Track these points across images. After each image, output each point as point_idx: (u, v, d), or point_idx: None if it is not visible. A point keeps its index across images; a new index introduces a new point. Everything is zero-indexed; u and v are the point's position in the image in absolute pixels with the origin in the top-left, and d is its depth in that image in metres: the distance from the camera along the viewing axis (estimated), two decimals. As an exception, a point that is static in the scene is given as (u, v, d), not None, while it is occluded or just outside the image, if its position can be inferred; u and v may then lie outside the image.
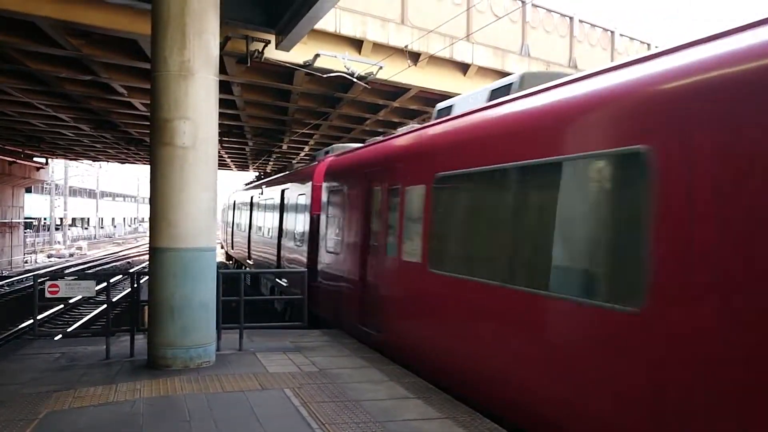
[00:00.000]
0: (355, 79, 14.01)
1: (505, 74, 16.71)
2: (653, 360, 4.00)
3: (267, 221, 18.60)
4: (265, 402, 6.22)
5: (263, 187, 20.48)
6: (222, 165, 38.69)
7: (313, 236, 12.87)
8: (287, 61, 13.29)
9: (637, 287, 4.16)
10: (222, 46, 11.36)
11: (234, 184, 38.61)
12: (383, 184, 8.90)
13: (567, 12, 18.47)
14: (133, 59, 13.77)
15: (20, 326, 17.00)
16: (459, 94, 16.29)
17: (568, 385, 4.78)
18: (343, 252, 10.62)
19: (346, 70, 13.68)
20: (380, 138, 10.55)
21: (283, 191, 16.48)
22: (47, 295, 8.15)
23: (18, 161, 33.65)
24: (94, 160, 42.74)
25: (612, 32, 19.52)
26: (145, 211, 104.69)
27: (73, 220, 76.16)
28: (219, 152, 24.51)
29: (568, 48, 18.26)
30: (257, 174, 33.55)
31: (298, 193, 14.67)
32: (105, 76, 15.34)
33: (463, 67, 15.96)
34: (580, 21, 18.66)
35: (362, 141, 13.55)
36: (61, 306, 19.54)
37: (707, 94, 3.87)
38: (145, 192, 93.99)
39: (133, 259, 43.36)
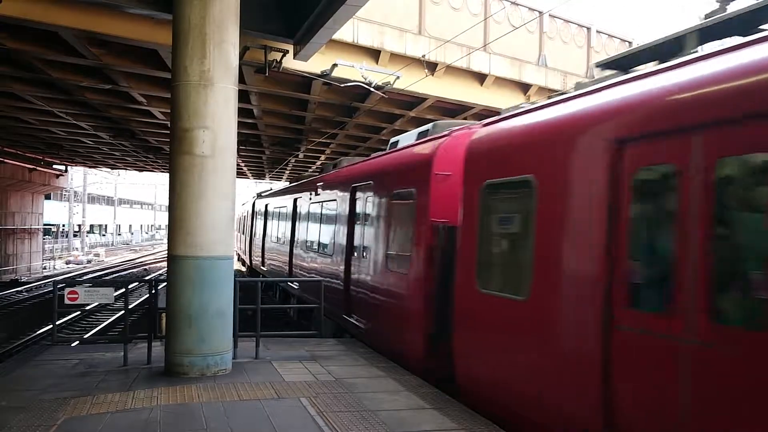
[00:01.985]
0: (372, 89, 14.05)
1: (522, 84, 16.72)
2: None
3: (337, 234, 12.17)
4: (281, 411, 6.22)
5: (315, 187, 14.79)
6: (239, 173, 38.88)
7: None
8: (305, 71, 13.37)
9: None
10: (241, 55, 11.45)
11: (251, 192, 38.61)
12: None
13: (584, 22, 18.45)
14: (153, 68, 13.92)
15: (38, 332, 17.16)
16: (476, 104, 16.36)
17: None
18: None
19: (363, 80, 13.73)
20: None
21: (354, 190, 11.30)
22: (66, 301, 8.23)
23: (38, 168, 34.07)
24: (112, 168, 43.15)
25: (630, 42, 19.46)
26: (161, 219, 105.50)
27: (91, 226, 76.83)
28: (236, 161, 24.65)
29: (586, 58, 18.22)
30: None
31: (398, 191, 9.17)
32: (125, 85, 15.51)
33: (480, 77, 15.96)
34: (598, 31, 18.63)
35: (380, 150, 13.49)
36: (78, 312, 19.69)
37: None
38: (162, 200, 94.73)
39: (150, 266, 43.64)
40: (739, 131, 3.80)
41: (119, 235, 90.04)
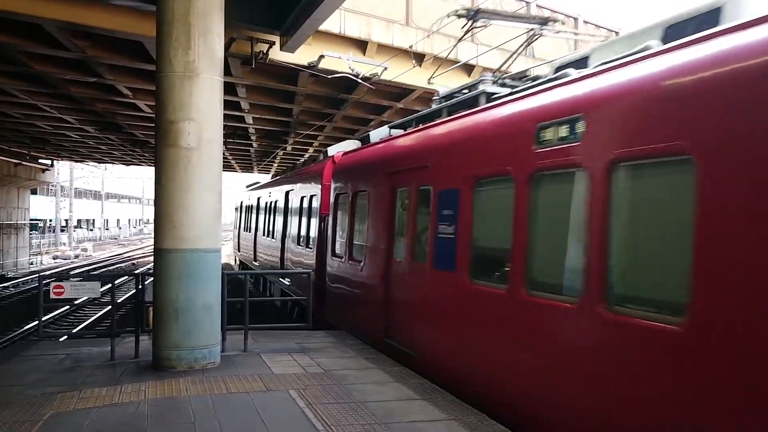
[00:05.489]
0: (359, 80, 14.00)
1: (510, 75, 16.70)
2: None
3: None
4: (270, 403, 6.20)
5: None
6: (226, 167, 38.70)
7: None
8: (292, 63, 13.29)
9: None
10: (227, 47, 11.36)
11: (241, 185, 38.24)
12: None
13: (572, 12, 18.45)
14: (138, 61, 13.79)
15: (25, 327, 17.05)
16: (464, 95, 16.33)
17: None
18: None
19: (350, 71, 13.67)
20: None
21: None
22: (52, 296, 8.14)
23: (23, 163, 33.78)
24: (99, 162, 42.85)
25: (617, 33, 19.48)
26: (149, 213, 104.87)
27: (79, 221, 76.28)
28: (223, 154, 24.46)
29: (573, 48, 18.21)
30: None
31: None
32: (110, 77, 15.37)
33: (468, 68, 15.93)
34: (585, 21, 18.63)
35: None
36: (67, 307, 19.57)
37: None
38: (150, 193, 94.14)
39: (138, 260, 43.44)
40: None
41: (107, 229, 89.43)
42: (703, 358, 3.70)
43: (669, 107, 4.14)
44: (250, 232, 24.92)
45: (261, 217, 22.20)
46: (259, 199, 22.63)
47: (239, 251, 29.92)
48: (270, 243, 18.57)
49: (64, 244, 58.99)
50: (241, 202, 29.94)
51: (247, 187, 29.16)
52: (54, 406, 6.07)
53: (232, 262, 36.52)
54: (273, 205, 19.23)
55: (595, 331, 4.59)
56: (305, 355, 8.47)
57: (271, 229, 18.95)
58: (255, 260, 21.65)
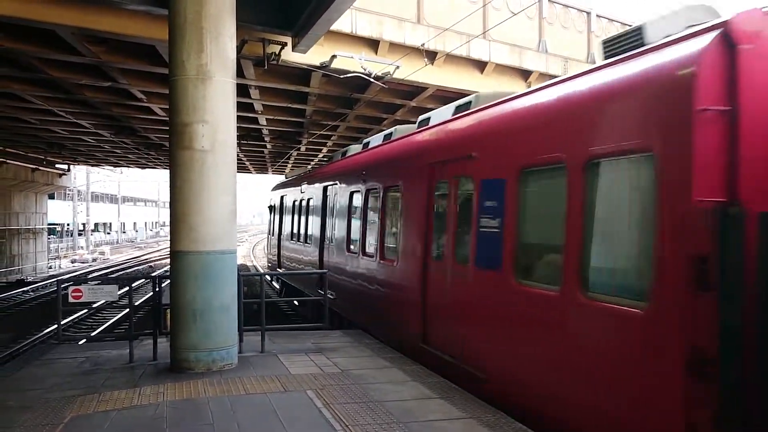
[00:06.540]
0: (372, 80, 13.98)
1: (523, 71, 16.63)
2: None
3: None
4: (288, 404, 6.22)
5: None
6: (241, 168, 38.86)
7: None
8: (304, 63, 13.29)
9: None
10: (239, 49, 11.38)
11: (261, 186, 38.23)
12: None
13: (584, 7, 18.32)
14: (151, 64, 13.85)
15: (45, 331, 17.21)
16: (476, 92, 16.25)
17: None
18: None
19: (362, 71, 13.66)
20: None
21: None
22: (70, 299, 8.22)
23: (40, 168, 34.06)
24: (115, 166, 43.17)
25: (630, 26, 19.31)
26: (165, 216, 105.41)
27: (96, 225, 76.90)
28: (238, 155, 24.50)
29: (586, 43, 18.09)
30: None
31: None
32: (124, 82, 15.45)
33: (480, 65, 15.87)
34: (598, 16, 18.49)
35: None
36: (85, 310, 19.72)
37: None
38: (166, 196, 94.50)
39: (155, 262, 43.71)
40: None
41: (124, 232, 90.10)
42: None
43: None
44: (309, 243, 16.42)
45: (336, 222, 13.40)
46: (326, 189, 14.76)
47: (280, 268, 21.23)
48: (380, 269, 10.30)
49: (82, 247, 59.46)
50: (282, 198, 21.82)
51: (287, 177, 23.43)
52: (74, 409, 6.12)
53: (248, 263, 36.69)
54: (379, 199, 10.56)
55: None
56: (322, 355, 8.49)
57: (376, 241, 10.56)
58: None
